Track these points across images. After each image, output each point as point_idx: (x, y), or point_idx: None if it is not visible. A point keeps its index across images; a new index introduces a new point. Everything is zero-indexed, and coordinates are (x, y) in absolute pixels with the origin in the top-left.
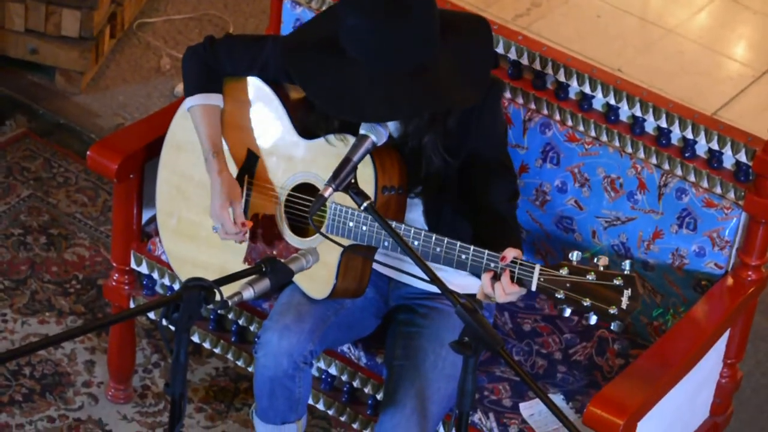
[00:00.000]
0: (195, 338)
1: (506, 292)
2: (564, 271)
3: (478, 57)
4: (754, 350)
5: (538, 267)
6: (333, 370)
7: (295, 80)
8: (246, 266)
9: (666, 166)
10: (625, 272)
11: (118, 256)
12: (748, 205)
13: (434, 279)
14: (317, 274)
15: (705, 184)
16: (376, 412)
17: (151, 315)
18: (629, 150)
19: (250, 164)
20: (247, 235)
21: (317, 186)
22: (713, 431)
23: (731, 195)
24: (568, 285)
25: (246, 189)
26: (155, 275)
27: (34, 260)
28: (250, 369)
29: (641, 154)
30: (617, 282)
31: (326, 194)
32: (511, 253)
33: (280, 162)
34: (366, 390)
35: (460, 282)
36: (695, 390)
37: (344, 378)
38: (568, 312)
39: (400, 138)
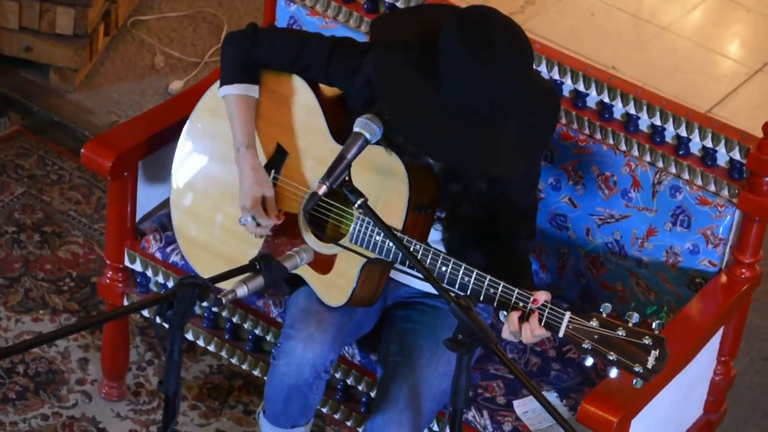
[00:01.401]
0: (189, 336)
1: (534, 334)
2: (594, 323)
3: (542, 131)
4: (748, 348)
5: (568, 315)
6: None
7: (374, 81)
8: None
9: (660, 164)
10: (656, 333)
11: (112, 253)
12: (742, 202)
13: (429, 277)
14: (335, 282)
15: (699, 182)
16: (369, 410)
17: (145, 313)
18: (623, 147)
19: (279, 159)
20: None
21: (343, 192)
22: (707, 429)
23: (725, 193)
24: (595, 336)
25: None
26: (149, 273)
27: (28, 258)
28: (244, 366)
29: (635, 152)
30: (646, 341)
31: (320, 191)
32: (542, 296)
33: (310, 162)
34: (360, 387)
35: None
36: (689, 387)
37: (338, 375)
38: (589, 362)
39: (443, 177)
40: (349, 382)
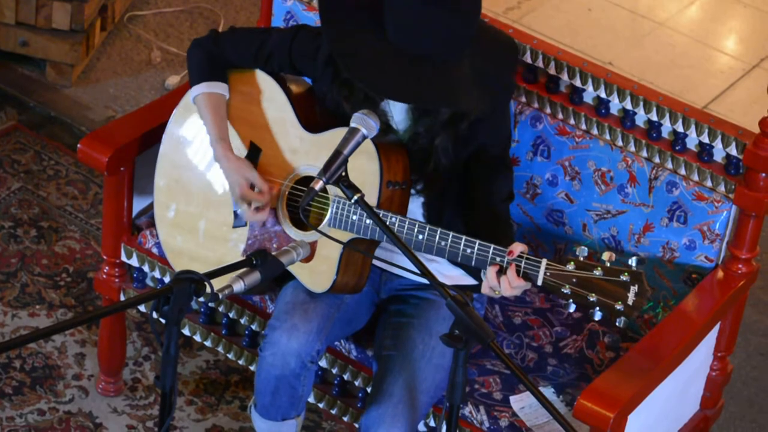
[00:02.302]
0: (185, 331)
1: (512, 285)
2: (570, 266)
3: (500, 77)
4: (745, 343)
5: (544, 261)
6: (323, 363)
7: (323, 33)
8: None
9: (656, 160)
10: (633, 268)
11: (109, 248)
12: (739, 198)
13: (425, 272)
14: (318, 268)
15: (695, 178)
16: (366, 405)
17: (142, 308)
18: (620, 143)
19: (253, 157)
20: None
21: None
22: (703, 424)
23: (722, 188)
24: (574, 280)
25: None
26: (146, 268)
27: (25, 253)
28: (240, 362)
29: (632, 148)
30: (624, 278)
31: (317, 187)
32: (518, 247)
33: (283, 155)
34: (356, 383)
35: (452, 273)
36: (686, 383)
37: (335, 371)
38: (572, 308)
39: (411, 136)
40: (345, 377)
